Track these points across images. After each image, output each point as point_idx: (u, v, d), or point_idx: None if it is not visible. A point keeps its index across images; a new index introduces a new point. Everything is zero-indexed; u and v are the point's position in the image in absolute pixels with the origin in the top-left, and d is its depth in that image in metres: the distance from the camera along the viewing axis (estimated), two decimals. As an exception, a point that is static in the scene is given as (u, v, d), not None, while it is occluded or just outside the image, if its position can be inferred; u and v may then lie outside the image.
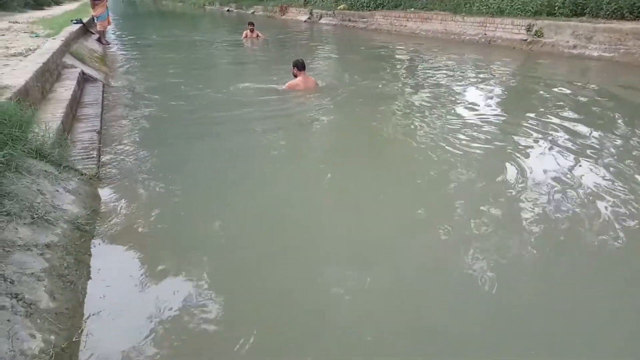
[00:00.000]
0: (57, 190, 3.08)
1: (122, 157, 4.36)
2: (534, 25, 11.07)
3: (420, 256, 2.87)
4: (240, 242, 3.01)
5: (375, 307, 2.42)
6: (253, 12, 28.53)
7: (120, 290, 2.44)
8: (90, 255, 2.66)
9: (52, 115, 4.58)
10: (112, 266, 2.61)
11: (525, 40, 11.19)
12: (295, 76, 6.91)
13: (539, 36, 10.91)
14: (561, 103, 6.43)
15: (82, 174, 3.58)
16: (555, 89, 7.26)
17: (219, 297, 2.42)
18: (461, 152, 4.51)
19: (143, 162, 4.25)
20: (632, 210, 3.32)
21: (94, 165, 3.85)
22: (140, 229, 3.04)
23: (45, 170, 3.22)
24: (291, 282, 2.60)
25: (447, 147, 4.65)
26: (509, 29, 11.77)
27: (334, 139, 5.42)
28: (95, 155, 4.11)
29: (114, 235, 2.92)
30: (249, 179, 4.02)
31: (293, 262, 2.79)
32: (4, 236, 2.30)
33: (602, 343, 2.20)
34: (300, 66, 6.82)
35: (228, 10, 32.73)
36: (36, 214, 2.62)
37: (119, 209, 3.29)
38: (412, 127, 5.60)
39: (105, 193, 3.50)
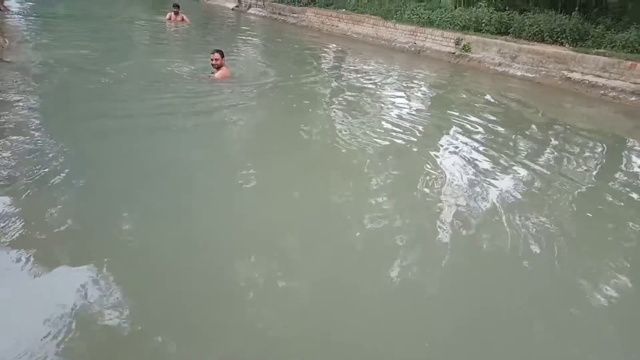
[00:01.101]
0: None
1: (16, 154, 3.59)
2: (462, 39, 11.36)
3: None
4: (152, 249, 2.65)
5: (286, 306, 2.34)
6: (177, -6, 26.91)
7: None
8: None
9: None
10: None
11: (454, 53, 11.45)
12: (219, 67, 6.62)
13: (466, 50, 11.21)
14: (480, 113, 6.67)
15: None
16: (476, 101, 7.53)
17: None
18: (376, 150, 4.68)
19: (42, 162, 3.54)
20: (546, 209, 3.64)
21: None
22: (38, 246, 2.42)
23: None
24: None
25: (364, 145, 4.77)
26: (439, 41, 11.98)
27: (249, 134, 5.23)
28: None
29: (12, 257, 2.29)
30: (162, 180, 3.62)
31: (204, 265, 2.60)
32: None
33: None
34: (221, 54, 6.64)
35: (149, -12, 30.64)
36: None
37: (10, 224, 2.61)
38: (331, 125, 5.60)
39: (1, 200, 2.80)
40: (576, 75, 8.99)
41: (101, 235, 2.74)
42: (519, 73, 9.86)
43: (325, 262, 2.75)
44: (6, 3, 11.60)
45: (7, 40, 7.84)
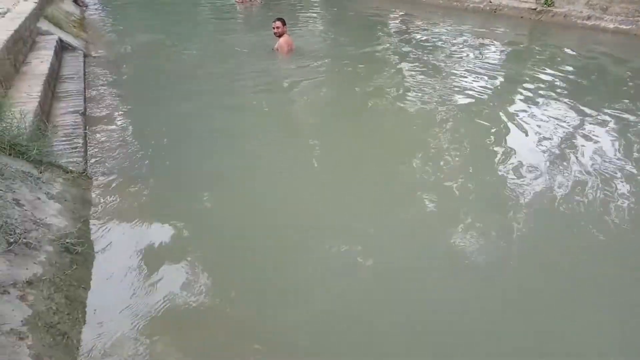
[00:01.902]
0: (39, 198, 2.51)
1: (113, 145, 3.76)
2: (544, -8, 10.44)
3: (414, 235, 2.73)
4: (251, 236, 2.67)
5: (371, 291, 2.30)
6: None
7: (125, 336, 1.93)
8: (85, 288, 2.12)
9: (27, 94, 3.93)
10: (112, 301, 2.09)
11: (535, 9, 10.57)
12: (281, 35, 6.60)
13: (549, 5, 10.30)
14: (567, 77, 6.06)
15: (68, 172, 2.99)
16: (562, 60, 6.90)
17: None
18: (451, 116, 4.45)
19: (137, 150, 3.68)
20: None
21: (80, 159, 3.26)
22: (145, 243, 2.50)
23: (23, 171, 2.64)
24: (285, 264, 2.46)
25: (438, 118, 4.50)
26: (517, -3, 11.11)
27: (318, 105, 5.11)
28: (81, 144, 3.51)
29: (112, 256, 2.39)
30: (245, 160, 3.65)
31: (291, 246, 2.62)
32: (-28, 276, 1.75)
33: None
34: (285, 22, 6.59)
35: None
36: (13, 236, 2.06)
37: (115, 216, 2.73)
38: (402, 92, 5.36)
39: (96, 195, 2.93)
40: (682, 23, 7.99)
41: (183, 209, 2.85)
42: (611, 26, 8.92)
43: (398, 239, 2.66)
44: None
45: (90, 35, 8.25)
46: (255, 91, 5.37)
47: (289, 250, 2.56)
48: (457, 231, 2.72)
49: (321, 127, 4.51)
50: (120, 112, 4.56)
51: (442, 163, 3.59)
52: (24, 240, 2.09)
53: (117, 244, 2.49)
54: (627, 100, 5.06)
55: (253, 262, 2.45)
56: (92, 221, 2.65)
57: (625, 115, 4.60)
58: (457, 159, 3.66)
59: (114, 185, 3.10)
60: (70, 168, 3.04)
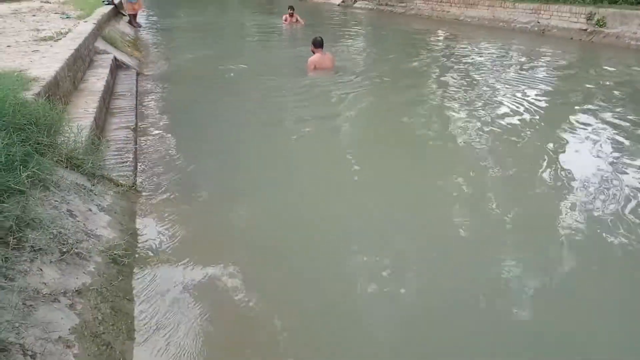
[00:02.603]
0: (90, 210, 2.61)
1: (161, 160, 3.89)
2: (595, 13, 10.16)
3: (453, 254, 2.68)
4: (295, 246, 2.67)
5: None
6: (284, -6, 27.77)
7: (166, 350, 1.96)
8: (129, 299, 2.18)
9: (84, 110, 4.12)
10: (157, 315, 2.13)
11: (585, 30, 10.29)
12: (313, 53, 6.95)
13: (601, 26, 10.01)
14: (621, 101, 5.78)
15: (118, 185, 3.11)
16: (617, 86, 6.58)
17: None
18: (499, 147, 4.31)
19: (185, 165, 3.79)
20: None
21: (130, 173, 3.38)
22: (189, 257, 2.55)
23: (77, 183, 2.75)
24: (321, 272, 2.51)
25: (482, 141, 4.40)
26: (566, 17, 10.86)
27: (353, 122, 5.19)
28: (131, 159, 3.64)
29: (158, 269, 2.44)
30: (289, 177, 3.72)
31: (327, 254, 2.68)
32: (27, 283, 1.82)
33: None
34: (317, 44, 6.84)
35: (258, -8, 31.98)
36: (65, 246, 2.15)
37: (161, 229, 2.81)
38: (444, 115, 5.32)
39: (144, 209, 3.02)
40: None
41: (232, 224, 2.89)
42: (669, 47, 8.55)
43: (432, 261, 2.59)
44: (138, 19, 12.79)
45: (143, 54, 8.65)
46: (298, 107, 5.52)
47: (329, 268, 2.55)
48: (496, 256, 2.63)
49: (362, 144, 4.55)
50: (169, 129, 4.73)
51: (485, 185, 3.52)
52: (76, 250, 2.17)
53: (163, 257, 2.54)
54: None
55: (296, 283, 2.45)
56: (139, 234, 2.73)
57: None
58: (498, 182, 3.58)
59: (161, 199, 3.19)
60: (121, 181, 3.16)
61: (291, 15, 12.64)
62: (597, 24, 10.10)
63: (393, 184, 3.58)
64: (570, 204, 3.17)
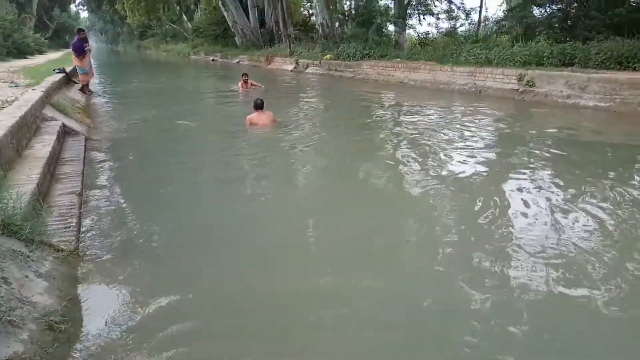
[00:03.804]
0: (27, 276, 2.54)
1: (107, 224, 3.84)
2: (525, 75, 11.08)
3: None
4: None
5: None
6: (239, 62, 28.71)
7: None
8: (65, 367, 2.10)
9: (26, 176, 4.07)
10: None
11: (517, 89, 11.17)
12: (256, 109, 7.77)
13: (530, 86, 10.90)
14: (554, 153, 6.24)
15: (59, 250, 3.04)
16: (547, 136, 7.16)
17: None
18: (439, 195, 4.52)
19: (131, 229, 3.74)
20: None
21: (72, 238, 3.32)
22: (131, 321, 2.49)
23: (14, 250, 2.69)
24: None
25: (428, 197, 4.53)
26: (500, 79, 11.78)
27: (310, 182, 5.39)
28: (74, 224, 3.59)
29: (98, 335, 2.37)
30: (242, 240, 3.60)
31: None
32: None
33: None
34: (256, 105, 7.63)
35: (213, 60, 32.94)
36: (-3, 314, 2.08)
37: (104, 294, 2.75)
38: (391, 168, 5.57)
39: (85, 274, 2.95)
40: (657, 100, 8.42)
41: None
42: (591, 103, 9.38)
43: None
44: (91, 86, 12.85)
45: (94, 120, 8.64)
46: (251, 164, 5.72)
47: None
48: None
49: (317, 194, 4.70)
50: (116, 192, 4.69)
51: (434, 234, 3.68)
52: (8, 318, 2.10)
53: (103, 323, 2.47)
54: (612, 173, 5.17)
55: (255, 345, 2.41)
56: (79, 299, 2.66)
57: (615, 187, 4.68)
58: (447, 231, 3.73)
59: (104, 263, 3.13)
60: (62, 246, 3.10)
61: (245, 81, 13.03)
62: (527, 84, 10.99)
63: (347, 237, 3.66)
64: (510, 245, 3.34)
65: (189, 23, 46.31)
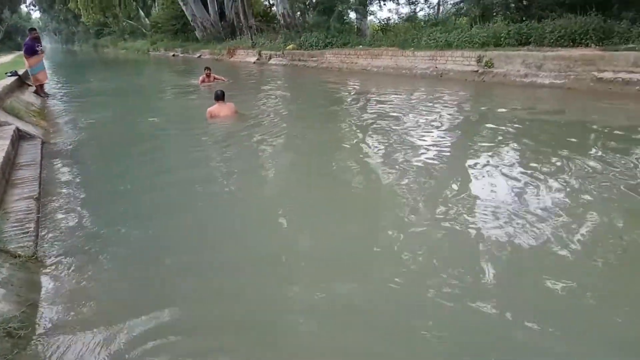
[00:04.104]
0: (-18, 284, 2.46)
1: (67, 227, 3.74)
2: (483, 56, 11.30)
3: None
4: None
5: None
6: (200, 56, 28.25)
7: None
8: (26, 374, 2.06)
9: (-21, 184, 3.92)
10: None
11: (477, 71, 11.38)
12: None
13: (489, 67, 11.12)
14: (514, 129, 6.45)
15: (16, 256, 2.96)
16: (506, 115, 7.36)
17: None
18: (405, 177, 4.61)
19: (92, 231, 3.65)
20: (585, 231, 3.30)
21: (31, 243, 3.23)
22: (92, 326, 2.45)
23: (-33, 258, 2.60)
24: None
25: (396, 177, 4.64)
26: (460, 61, 11.97)
27: (276, 172, 5.30)
28: (32, 229, 3.49)
29: (58, 340, 2.32)
30: (205, 234, 3.62)
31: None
32: None
33: None
34: (216, 97, 7.57)
35: (173, 55, 32.32)
36: (-49, 325, 2.01)
37: (64, 300, 2.68)
38: (357, 155, 5.59)
39: (45, 279, 2.88)
40: (608, 75, 8.72)
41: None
42: (547, 81, 9.66)
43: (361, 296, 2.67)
44: (47, 88, 12.40)
45: (50, 123, 8.36)
46: (216, 161, 5.64)
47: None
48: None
49: (286, 189, 4.67)
50: (76, 195, 4.56)
51: (405, 213, 3.73)
52: (-37, 328, 2.04)
53: (64, 327, 2.42)
54: (566, 150, 5.36)
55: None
56: (39, 305, 2.60)
57: (570, 159, 4.87)
58: (418, 207, 3.79)
59: (64, 268, 3.04)
60: (19, 252, 3.01)
61: (208, 75, 12.79)
62: (486, 65, 11.22)
63: (316, 224, 3.69)
64: (483, 230, 3.41)
65: (146, 19, 45.16)
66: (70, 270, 3.02)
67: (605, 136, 5.89)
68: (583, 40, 10.19)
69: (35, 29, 11.97)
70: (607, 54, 8.90)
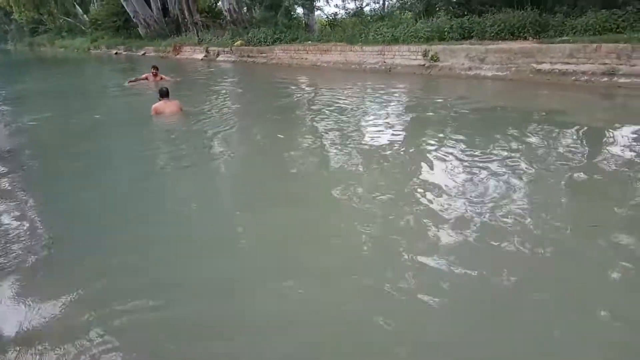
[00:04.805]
0: None
1: (12, 236, 3.50)
2: (429, 50, 11.58)
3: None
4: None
5: None
6: (144, 54, 27.34)
7: None
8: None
9: None
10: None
11: (423, 65, 11.66)
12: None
13: (435, 60, 11.42)
14: (459, 120, 6.71)
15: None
16: (452, 107, 7.62)
17: None
18: (358, 172, 4.67)
19: (38, 239, 3.44)
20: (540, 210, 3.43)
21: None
22: (43, 334, 2.33)
23: None
24: None
25: (349, 171, 4.71)
26: (407, 56, 12.21)
27: (230, 172, 5.20)
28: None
29: (6, 351, 2.19)
30: (163, 244, 3.44)
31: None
32: None
33: None
34: (161, 93, 7.59)
35: (116, 53, 31.07)
36: None
37: (12, 309, 2.53)
38: (310, 151, 5.60)
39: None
40: (545, 66, 9.17)
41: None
42: (490, 74, 10.03)
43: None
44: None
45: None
46: (168, 159, 5.51)
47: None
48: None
49: (240, 194, 4.58)
50: (21, 202, 4.27)
51: (366, 200, 3.75)
52: None
53: (14, 336, 2.29)
54: (511, 131, 5.64)
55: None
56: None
57: (511, 141, 5.11)
58: (378, 197, 3.83)
59: (11, 277, 2.89)
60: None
61: (155, 74, 12.36)
62: (432, 59, 11.51)
63: (278, 222, 3.64)
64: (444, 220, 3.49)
65: (85, 16, 43.16)
66: (17, 278, 2.86)
67: (544, 125, 6.20)
68: (521, 34, 10.66)
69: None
70: (544, 47, 9.34)
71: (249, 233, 3.58)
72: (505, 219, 3.39)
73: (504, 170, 4.40)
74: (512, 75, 9.59)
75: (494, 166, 4.50)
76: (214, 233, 3.56)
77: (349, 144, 5.59)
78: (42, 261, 3.18)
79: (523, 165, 4.50)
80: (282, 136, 6.26)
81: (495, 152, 4.96)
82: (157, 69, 12.61)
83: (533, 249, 3.02)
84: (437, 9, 14.17)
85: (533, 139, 5.41)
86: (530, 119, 6.47)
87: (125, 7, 30.16)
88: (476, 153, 4.93)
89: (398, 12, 16.25)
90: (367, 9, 19.05)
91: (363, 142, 5.66)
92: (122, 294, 2.74)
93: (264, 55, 17.62)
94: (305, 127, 6.76)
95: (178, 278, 2.91)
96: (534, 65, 9.32)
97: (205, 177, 4.89)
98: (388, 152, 5.22)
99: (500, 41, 10.72)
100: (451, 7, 13.84)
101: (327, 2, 22.09)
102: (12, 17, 44.90)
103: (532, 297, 2.58)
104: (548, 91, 8.46)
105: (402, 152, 5.24)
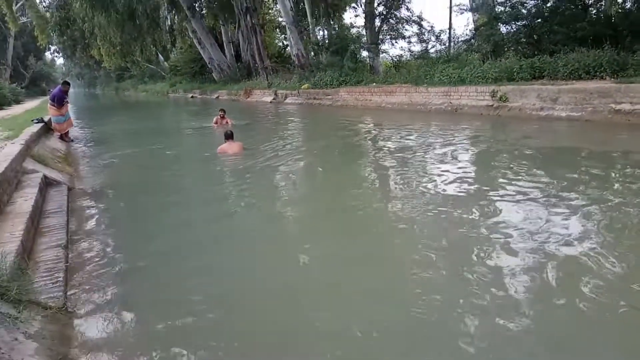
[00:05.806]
0: (16, 339, 2.50)
1: (97, 276, 3.78)
2: (497, 91, 11.40)
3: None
4: None
5: None
6: (217, 97, 28.97)
7: None
8: None
9: (10, 234, 4.03)
10: None
11: (492, 105, 11.46)
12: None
13: (504, 101, 11.19)
14: (533, 163, 6.45)
15: (47, 308, 3.01)
16: (524, 148, 7.39)
17: None
18: (424, 217, 4.56)
19: (121, 279, 3.70)
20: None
21: (60, 293, 3.28)
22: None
23: (2, 313, 2.66)
24: None
25: (416, 215, 4.62)
26: (474, 96, 12.08)
27: (297, 212, 5.30)
28: (61, 279, 3.55)
29: None
30: (236, 278, 3.57)
31: None
32: None
33: None
34: (226, 136, 8.57)
35: (192, 97, 33.21)
36: (-12, 382, 2.05)
37: (96, 351, 2.71)
38: (375, 194, 5.66)
39: (77, 331, 2.92)
40: (625, 106, 8.71)
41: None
42: (563, 114, 9.67)
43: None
44: (71, 133, 12.81)
45: (76, 168, 8.61)
46: (238, 198, 5.83)
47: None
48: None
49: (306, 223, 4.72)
50: (104, 241, 4.65)
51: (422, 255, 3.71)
52: (-1, 385, 2.07)
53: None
54: (592, 178, 5.37)
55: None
56: (71, 358, 2.63)
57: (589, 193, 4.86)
58: (434, 250, 3.77)
59: (94, 318, 3.08)
60: (50, 304, 3.06)
61: (222, 117, 13.08)
62: (500, 100, 11.29)
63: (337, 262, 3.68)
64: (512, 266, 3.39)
65: (165, 62, 46.73)
66: (100, 320, 3.05)
67: (625, 165, 5.85)
68: (597, 73, 10.25)
69: (69, 83, 12.39)
70: (623, 86, 8.91)
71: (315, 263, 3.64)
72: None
73: (578, 216, 4.19)
74: (587, 115, 9.19)
75: (576, 206, 4.34)
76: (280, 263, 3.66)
77: (413, 181, 5.57)
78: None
79: (600, 215, 4.25)
80: (342, 177, 6.38)
81: (582, 193, 4.80)
82: (224, 111, 13.33)
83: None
84: (506, 49, 14.01)
85: (614, 184, 5.10)
86: (610, 162, 6.14)
87: (202, 54, 32.36)
88: (552, 192, 4.79)
89: (465, 53, 16.20)
90: (432, 50, 19.20)
91: (426, 181, 5.63)
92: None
93: (329, 97, 18.09)
94: (368, 172, 6.81)
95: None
96: (613, 105, 8.88)
97: (262, 214, 5.06)
98: (455, 192, 5.16)
99: (574, 81, 10.35)
100: (520, 48, 13.64)
101: (393, 44, 22.55)
102: (102, 64, 49.37)
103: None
104: (627, 133, 7.99)
105: (469, 192, 5.15)
